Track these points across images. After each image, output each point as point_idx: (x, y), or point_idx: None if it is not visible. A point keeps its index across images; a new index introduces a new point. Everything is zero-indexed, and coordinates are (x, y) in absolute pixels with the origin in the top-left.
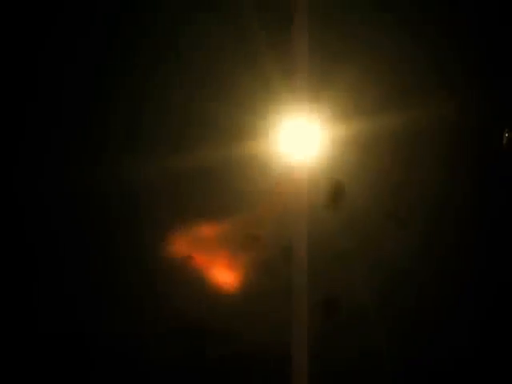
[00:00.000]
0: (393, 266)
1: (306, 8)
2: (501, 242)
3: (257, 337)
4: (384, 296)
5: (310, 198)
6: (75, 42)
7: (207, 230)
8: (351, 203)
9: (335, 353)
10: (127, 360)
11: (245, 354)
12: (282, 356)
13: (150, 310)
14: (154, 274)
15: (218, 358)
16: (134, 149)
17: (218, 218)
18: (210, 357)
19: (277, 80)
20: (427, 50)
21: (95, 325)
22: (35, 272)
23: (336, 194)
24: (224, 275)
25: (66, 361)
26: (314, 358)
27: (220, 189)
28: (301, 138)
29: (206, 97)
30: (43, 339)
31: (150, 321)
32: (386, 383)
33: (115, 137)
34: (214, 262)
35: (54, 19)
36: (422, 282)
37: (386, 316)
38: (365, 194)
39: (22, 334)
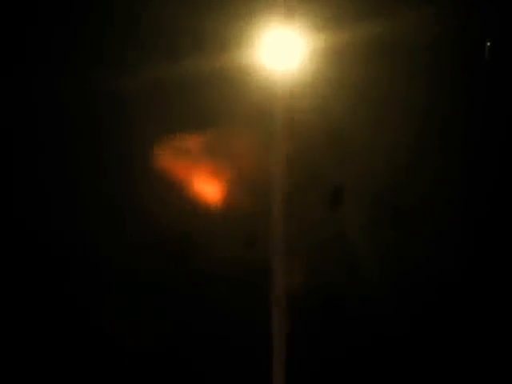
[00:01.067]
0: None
1: None
2: (482, 158)
3: (234, 252)
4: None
5: (291, 110)
6: None
7: (189, 142)
8: (332, 118)
9: (316, 270)
10: (108, 270)
11: (222, 269)
12: (259, 271)
13: (133, 221)
14: (137, 185)
15: (197, 272)
16: (119, 59)
17: (199, 131)
18: (189, 270)
19: None
20: None
21: (78, 234)
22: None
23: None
24: (205, 188)
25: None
26: (291, 271)
27: (200, 101)
28: (280, 49)
29: (184, 7)
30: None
31: (133, 232)
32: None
33: (102, 46)
34: (196, 174)
35: None
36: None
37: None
38: (346, 109)
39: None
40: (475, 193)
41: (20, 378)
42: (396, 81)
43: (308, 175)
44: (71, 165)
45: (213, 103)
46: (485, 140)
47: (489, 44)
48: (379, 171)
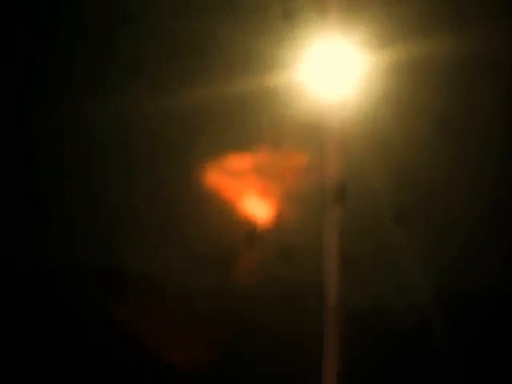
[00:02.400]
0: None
1: None
2: None
3: (287, 271)
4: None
5: (344, 131)
6: None
7: (235, 163)
8: (387, 139)
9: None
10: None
11: (273, 288)
12: (313, 292)
13: (181, 240)
14: (183, 207)
15: (244, 291)
16: (159, 81)
17: (245, 151)
18: (236, 289)
19: (304, 9)
20: None
21: (129, 252)
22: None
23: None
24: (252, 207)
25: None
26: (346, 296)
27: (245, 122)
28: (331, 69)
29: (228, 23)
30: None
31: (181, 250)
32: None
33: (136, 70)
34: (243, 194)
35: None
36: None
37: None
38: (405, 131)
39: None
40: None
41: None
42: (456, 100)
43: (362, 198)
44: (116, 186)
45: (265, 123)
46: None
47: None
48: (442, 197)
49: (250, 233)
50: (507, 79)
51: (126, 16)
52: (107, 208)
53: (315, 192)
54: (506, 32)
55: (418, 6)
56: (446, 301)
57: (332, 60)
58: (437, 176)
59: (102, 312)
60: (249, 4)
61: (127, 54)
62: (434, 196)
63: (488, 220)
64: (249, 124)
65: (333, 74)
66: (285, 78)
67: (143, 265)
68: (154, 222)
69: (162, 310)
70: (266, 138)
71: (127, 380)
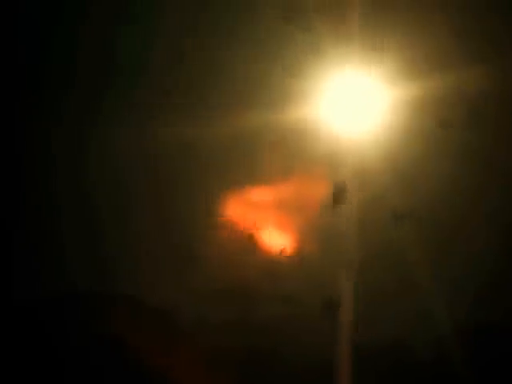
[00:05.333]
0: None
1: None
2: None
3: (306, 300)
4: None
5: (363, 164)
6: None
7: (255, 194)
8: (408, 174)
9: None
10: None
11: (292, 317)
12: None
13: (200, 272)
14: (204, 237)
15: (265, 320)
16: (181, 111)
17: (266, 183)
18: (257, 318)
19: (327, 43)
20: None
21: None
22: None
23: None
24: (273, 238)
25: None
26: (364, 325)
27: (266, 154)
28: (353, 103)
29: (253, 58)
30: None
31: (200, 282)
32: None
33: (161, 99)
34: (264, 225)
35: None
36: None
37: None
38: (423, 164)
39: None
40: None
41: None
42: (479, 134)
43: (382, 234)
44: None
45: (283, 157)
46: None
47: None
48: (463, 232)
49: (265, 264)
50: None
51: (128, 47)
52: (116, 239)
53: (333, 226)
54: None
55: (440, 41)
56: (466, 334)
57: (353, 94)
58: (459, 212)
59: (111, 344)
60: (267, 36)
61: (140, 92)
62: (455, 231)
63: (508, 256)
64: (266, 158)
65: (354, 108)
66: (305, 112)
67: (156, 297)
68: (168, 254)
69: (175, 343)
70: (284, 172)
71: None
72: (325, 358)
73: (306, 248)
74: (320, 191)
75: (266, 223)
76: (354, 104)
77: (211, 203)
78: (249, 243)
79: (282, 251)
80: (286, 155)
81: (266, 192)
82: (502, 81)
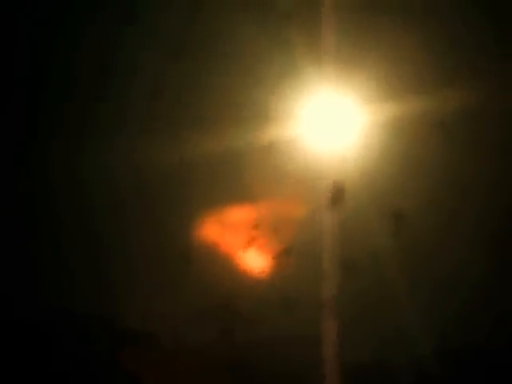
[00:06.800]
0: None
1: None
2: None
3: (285, 321)
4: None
5: (342, 184)
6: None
7: (233, 215)
8: (387, 193)
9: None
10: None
11: (272, 338)
12: (310, 342)
13: (180, 292)
14: (183, 258)
15: (244, 341)
16: (156, 132)
17: (243, 204)
18: (237, 339)
19: (304, 62)
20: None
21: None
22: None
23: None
24: (250, 259)
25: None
26: (344, 344)
27: (244, 174)
28: (331, 123)
29: (232, 80)
30: None
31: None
32: None
33: (136, 121)
34: (240, 247)
35: None
36: None
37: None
38: (403, 186)
39: None
40: None
41: None
42: (457, 154)
43: (361, 252)
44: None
45: (263, 176)
46: None
47: None
48: (445, 252)
49: (249, 283)
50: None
51: (123, 60)
52: (106, 263)
53: (313, 244)
54: (504, 86)
55: (419, 62)
56: (446, 354)
57: (332, 114)
58: (439, 229)
59: (102, 364)
60: (247, 57)
61: (135, 106)
62: (435, 252)
63: (489, 275)
64: (246, 177)
65: (332, 127)
66: (284, 132)
67: (142, 319)
68: (152, 275)
69: (162, 363)
70: (264, 191)
71: None
72: (310, 374)
73: (285, 267)
74: (298, 209)
75: (246, 243)
76: (333, 123)
77: (190, 224)
78: (232, 262)
79: (262, 270)
80: (265, 175)
81: (245, 212)
82: (480, 101)
